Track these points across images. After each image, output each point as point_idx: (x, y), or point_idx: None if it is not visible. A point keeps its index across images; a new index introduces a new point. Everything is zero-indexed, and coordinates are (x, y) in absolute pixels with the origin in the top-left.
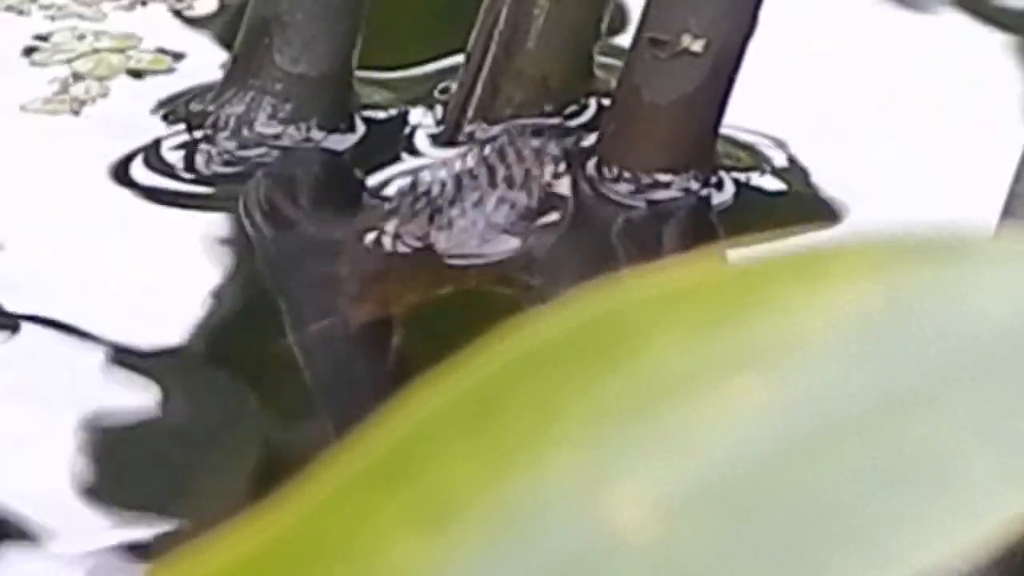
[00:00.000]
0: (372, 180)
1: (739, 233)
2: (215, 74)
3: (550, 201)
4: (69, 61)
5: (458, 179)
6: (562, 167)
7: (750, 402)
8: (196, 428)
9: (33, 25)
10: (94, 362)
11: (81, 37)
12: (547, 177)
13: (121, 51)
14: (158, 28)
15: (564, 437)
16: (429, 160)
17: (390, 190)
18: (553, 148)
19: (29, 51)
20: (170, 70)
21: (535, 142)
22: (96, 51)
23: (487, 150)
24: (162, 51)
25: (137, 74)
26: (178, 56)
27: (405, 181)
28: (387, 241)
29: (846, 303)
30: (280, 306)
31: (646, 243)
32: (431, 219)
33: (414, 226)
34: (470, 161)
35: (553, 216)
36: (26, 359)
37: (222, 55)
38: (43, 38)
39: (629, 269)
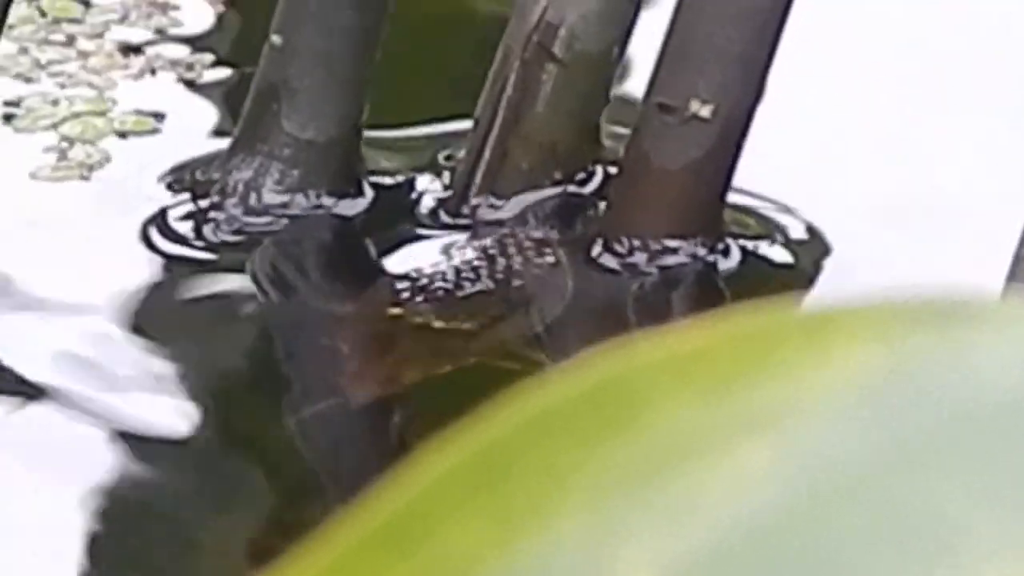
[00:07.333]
0: (381, 256)
1: (744, 299)
2: (199, 134)
3: (549, 284)
4: (55, 126)
5: (458, 271)
6: (562, 254)
7: (755, 466)
8: (198, 503)
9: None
10: (101, 434)
11: (55, 102)
12: (547, 265)
13: (101, 113)
14: (128, 90)
15: (570, 501)
16: (433, 242)
17: (395, 268)
18: (554, 235)
19: (8, 118)
20: (155, 130)
21: (537, 233)
22: (77, 115)
23: (488, 241)
24: (139, 112)
25: (124, 135)
26: (158, 116)
27: (408, 269)
28: (390, 322)
29: (851, 367)
30: (283, 382)
31: (652, 308)
32: (430, 308)
33: (415, 314)
34: (470, 253)
35: (552, 297)
36: (38, 429)
37: (203, 115)
38: (15, 104)
39: (635, 334)
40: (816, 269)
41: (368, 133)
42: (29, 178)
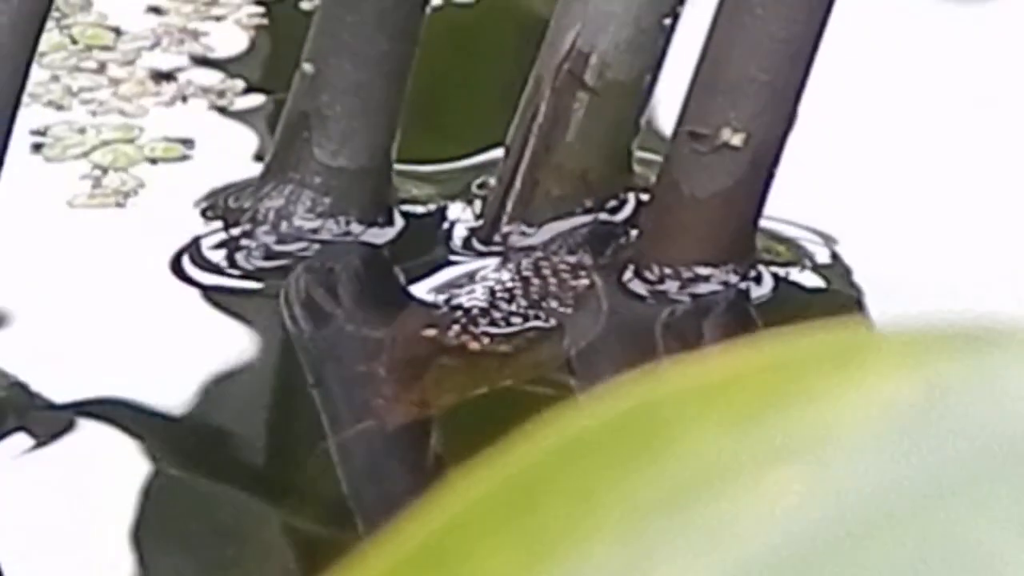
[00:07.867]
0: (411, 282)
1: (777, 327)
2: (231, 160)
3: (584, 307)
4: (85, 154)
5: (493, 293)
6: (596, 278)
7: (787, 494)
8: (232, 525)
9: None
10: (138, 460)
11: (82, 130)
12: (581, 288)
13: (130, 141)
14: (159, 117)
15: (602, 528)
16: (467, 266)
17: (427, 295)
18: (588, 260)
19: (37, 147)
20: (185, 157)
21: (571, 257)
22: (106, 143)
23: (523, 263)
24: (168, 139)
25: (154, 162)
26: (187, 142)
27: (441, 292)
28: (425, 344)
29: (883, 394)
30: (318, 406)
31: (684, 337)
32: (465, 329)
33: (450, 335)
34: (505, 275)
35: (587, 321)
36: (78, 458)
37: (234, 141)
38: (42, 133)
39: (666, 361)
40: (848, 294)
41: (400, 166)
42: (67, 206)
